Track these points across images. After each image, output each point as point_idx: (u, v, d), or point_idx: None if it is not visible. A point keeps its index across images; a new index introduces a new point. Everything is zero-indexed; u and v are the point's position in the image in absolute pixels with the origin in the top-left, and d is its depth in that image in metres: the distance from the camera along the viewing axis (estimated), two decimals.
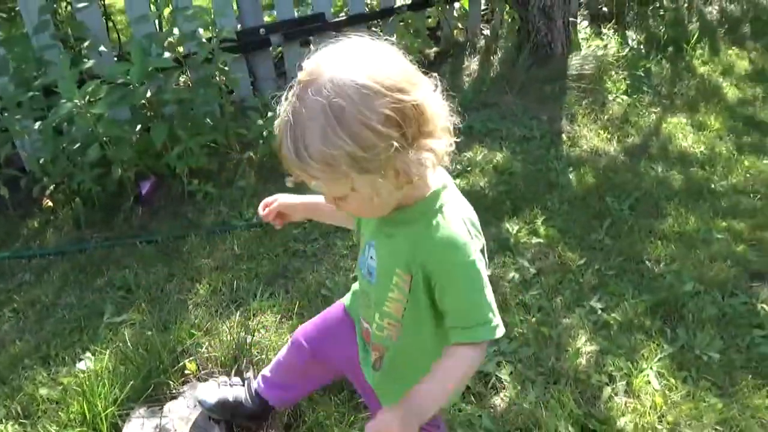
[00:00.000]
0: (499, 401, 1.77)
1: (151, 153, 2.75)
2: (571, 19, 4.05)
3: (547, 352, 1.92)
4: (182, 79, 3.15)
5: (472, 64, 3.98)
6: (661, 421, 1.71)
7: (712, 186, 2.88)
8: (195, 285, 2.26)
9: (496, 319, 1.03)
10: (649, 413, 1.73)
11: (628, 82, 3.77)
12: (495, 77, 3.81)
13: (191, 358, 1.86)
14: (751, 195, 2.83)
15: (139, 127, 2.74)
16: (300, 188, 1.09)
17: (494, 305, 1.04)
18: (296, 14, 3.63)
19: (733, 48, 4.43)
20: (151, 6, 3.09)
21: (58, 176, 2.62)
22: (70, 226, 2.63)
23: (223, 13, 3.03)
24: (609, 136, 3.30)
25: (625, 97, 3.64)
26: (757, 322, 2.05)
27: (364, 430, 0.98)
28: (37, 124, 2.58)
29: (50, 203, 2.71)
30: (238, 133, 2.96)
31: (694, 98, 3.72)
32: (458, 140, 1.00)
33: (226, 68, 2.92)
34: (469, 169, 2.95)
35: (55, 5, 2.85)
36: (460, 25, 4.32)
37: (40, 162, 2.62)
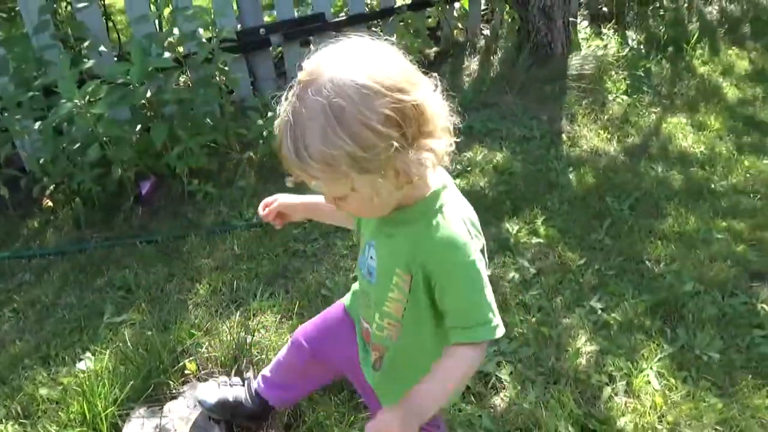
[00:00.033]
0: (499, 401, 1.77)
1: (151, 153, 2.75)
2: (571, 19, 4.05)
3: (547, 352, 1.92)
4: (182, 79, 3.15)
5: (472, 64, 3.98)
6: (661, 421, 1.71)
7: (712, 186, 2.88)
8: (195, 285, 2.26)
9: (496, 319, 1.03)
10: (649, 413, 1.73)
11: (628, 82, 3.77)
12: (495, 77, 3.81)
13: (191, 358, 1.86)
14: (751, 195, 2.83)
15: (139, 127, 2.74)
16: (300, 188, 1.09)
17: (494, 305, 1.04)
18: (296, 14, 3.63)
19: (733, 48, 4.43)
20: (151, 6, 3.09)
21: (58, 176, 2.62)
22: (70, 226, 2.63)
23: (223, 13, 3.03)
24: (609, 136, 3.30)
25: (625, 97, 3.64)
26: (757, 322, 2.05)
27: (364, 430, 0.98)
28: (37, 124, 2.58)
29: (50, 203, 2.71)
30: (238, 133, 2.96)
31: (694, 98, 3.73)
32: (458, 140, 1.00)
33: (226, 68, 2.92)
34: (469, 169, 2.95)
35: (55, 5, 2.85)
36: (460, 25, 4.32)
37: (40, 162, 2.62)
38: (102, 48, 2.86)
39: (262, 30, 3.39)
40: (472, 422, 1.70)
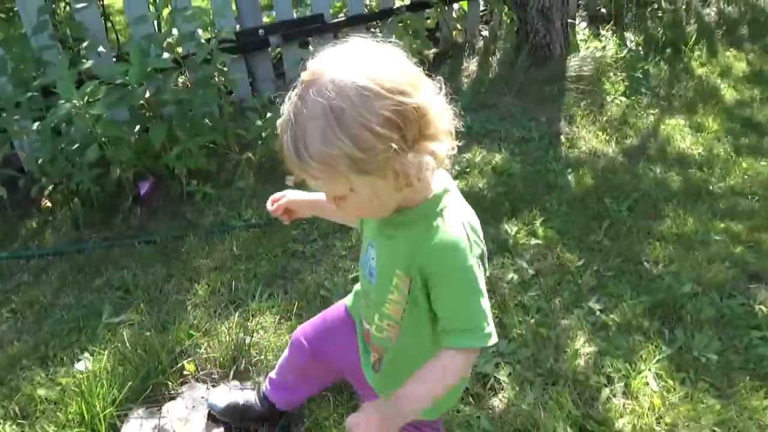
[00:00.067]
0: (498, 402, 1.78)
1: (150, 153, 2.75)
2: (569, 20, 4.06)
3: (545, 353, 1.92)
4: (181, 79, 3.15)
5: (471, 65, 3.99)
6: (659, 423, 1.72)
7: (711, 187, 2.89)
8: (194, 285, 2.26)
9: (489, 327, 1.02)
10: (647, 414, 1.73)
11: (626, 83, 3.77)
12: (494, 78, 3.82)
13: (190, 359, 1.86)
14: (749, 196, 2.84)
15: (137, 127, 2.74)
16: (300, 187, 1.09)
17: (489, 312, 1.03)
18: (295, 15, 3.63)
19: (731, 50, 4.44)
20: (150, 7, 3.09)
21: (57, 176, 2.62)
22: (69, 226, 2.63)
23: (222, 14, 3.03)
24: (607, 138, 3.30)
25: (623, 99, 3.65)
26: (755, 323, 2.06)
27: (346, 422, 0.98)
28: (35, 125, 2.58)
29: (49, 203, 2.70)
30: (237, 133, 2.96)
31: (692, 100, 3.73)
32: (460, 144, 1.00)
33: (225, 69, 2.92)
34: (467, 170, 2.95)
35: (53, 5, 2.85)
36: (459, 26, 4.32)
37: (39, 162, 2.62)
38: (101, 48, 2.86)
39: (261, 31, 3.39)
40: (470, 423, 1.70)
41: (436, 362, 1.03)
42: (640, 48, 4.21)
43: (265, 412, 1.61)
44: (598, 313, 2.09)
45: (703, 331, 2.01)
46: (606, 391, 1.80)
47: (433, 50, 4.10)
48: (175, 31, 2.77)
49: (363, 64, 0.90)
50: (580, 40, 4.18)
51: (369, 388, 1.28)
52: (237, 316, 2.06)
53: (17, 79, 2.60)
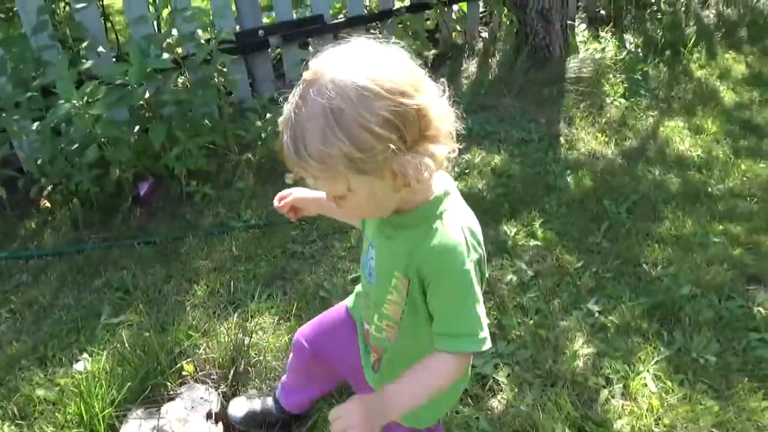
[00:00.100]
0: (497, 403, 1.78)
1: (150, 154, 2.75)
2: (569, 22, 4.06)
3: (544, 354, 1.92)
4: (181, 80, 3.15)
5: (471, 67, 3.99)
6: (657, 424, 1.72)
7: (709, 189, 2.89)
8: (193, 286, 2.26)
9: (483, 333, 1.02)
10: (645, 416, 1.73)
11: (625, 85, 3.78)
12: (493, 80, 3.82)
13: (189, 360, 1.86)
14: (748, 198, 2.84)
15: (137, 128, 2.74)
16: (298, 185, 1.09)
17: (483, 317, 1.02)
18: (295, 16, 3.63)
19: (730, 52, 4.45)
20: (150, 7, 3.09)
21: (56, 177, 2.62)
22: (68, 226, 2.63)
23: (221, 15, 3.03)
24: (606, 139, 3.31)
25: (622, 101, 3.65)
26: (754, 325, 2.06)
27: (330, 413, 0.99)
28: (35, 125, 2.58)
29: (48, 204, 2.70)
30: (237, 134, 2.96)
31: (691, 102, 3.74)
32: (461, 147, 1.00)
33: (225, 69, 2.92)
34: (467, 171, 2.95)
35: (53, 6, 2.85)
36: (458, 28, 4.33)
37: (38, 162, 2.62)
38: (100, 49, 2.86)
39: (260, 31, 3.39)
40: (469, 424, 1.70)
41: (427, 364, 1.03)
42: (640, 50, 4.22)
43: (282, 416, 1.65)
44: (596, 314, 2.10)
45: (702, 332, 2.01)
46: (605, 393, 1.80)
47: (433, 51, 4.10)
48: (174, 32, 2.77)
49: (364, 64, 0.90)
50: (580, 41, 4.19)
51: (369, 389, 1.28)
52: (236, 316, 2.06)
53: (17, 79, 2.60)
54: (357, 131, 0.88)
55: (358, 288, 1.35)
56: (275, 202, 1.33)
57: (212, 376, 1.83)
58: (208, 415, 1.68)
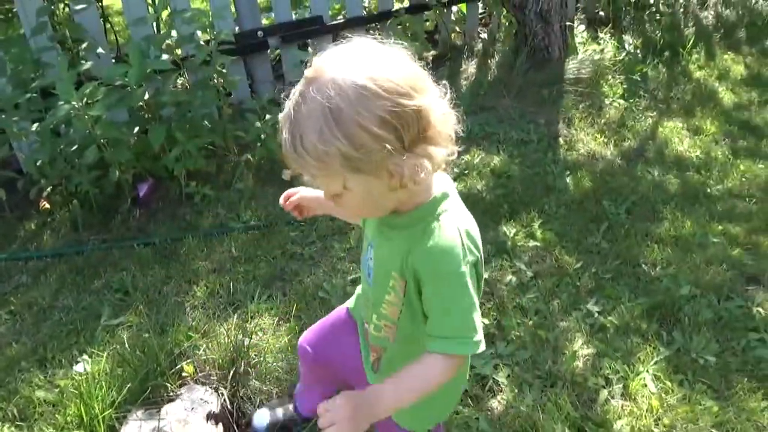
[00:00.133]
0: (496, 404, 1.78)
1: (149, 155, 2.75)
2: (568, 23, 4.07)
3: (544, 355, 1.93)
4: (180, 81, 3.15)
5: (470, 68, 4.00)
6: (657, 424, 1.72)
7: (708, 190, 2.90)
8: (192, 287, 2.26)
9: (477, 336, 1.01)
10: (645, 416, 1.74)
11: (624, 86, 3.78)
12: (492, 81, 3.83)
13: (189, 361, 1.86)
14: (747, 199, 2.84)
15: (136, 129, 2.74)
16: (295, 181, 1.09)
17: (477, 321, 1.02)
18: (294, 17, 3.64)
19: (729, 53, 4.46)
20: (149, 8, 3.09)
21: (56, 178, 2.62)
22: (68, 228, 2.62)
23: (221, 16, 3.04)
24: (606, 140, 3.31)
25: (621, 101, 3.65)
26: (753, 325, 2.06)
27: (318, 407, 0.99)
28: (34, 126, 2.58)
29: (47, 205, 2.70)
30: (236, 135, 2.97)
31: (690, 102, 3.74)
32: (460, 149, 1.00)
33: (224, 70, 2.92)
34: (466, 172, 2.96)
35: (53, 7, 2.85)
36: (457, 29, 4.33)
37: (38, 164, 2.61)
38: (100, 50, 2.86)
39: (260, 32, 3.40)
40: (469, 425, 1.70)
41: (418, 365, 1.03)
42: (639, 51, 4.22)
43: (303, 421, 1.66)
44: (596, 315, 2.10)
45: (701, 333, 2.01)
46: (604, 393, 1.80)
47: (432, 53, 4.11)
48: (174, 33, 2.78)
49: (365, 64, 0.91)
50: (579, 42, 4.19)
51: None
52: (236, 317, 2.06)
53: (16, 80, 2.60)
54: (354, 130, 0.88)
55: (359, 289, 1.35)
56: (281, 201, 1.33)
57: (212, 377, 1.83)
58: (208, 416, 1.68)
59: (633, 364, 1.90)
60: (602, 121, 3.47)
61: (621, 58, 4.00)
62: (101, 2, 3.43)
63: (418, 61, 0.96)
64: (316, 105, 0.89)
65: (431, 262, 1.01)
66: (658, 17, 4.68)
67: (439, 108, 0.95)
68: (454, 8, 4.28)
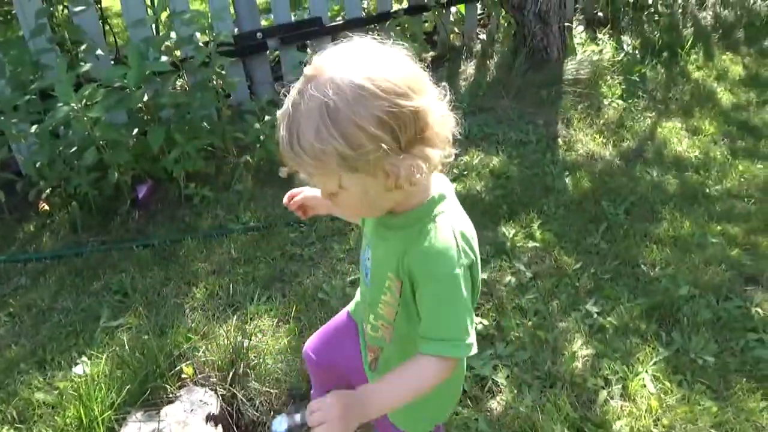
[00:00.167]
0: (496, 405, 1.78)
1: (148, 157, 2.75)
2: (566, 24, 4.07)
3: (543, 355, 1.93)
4: (179, 82, 3.15)
5: (469, 69, 4.00)
6: (656, 425, 1.72)
7: (707, 190, 2.90)
8: (192, 289, 2.26)
9: (469, 339, 1.01)
10: (644, 416, 1.74)
11: (623, 86, 3.79)
12: (491, 81, 3.83)
13: (188, 362, 1.86)
14: (745, 199, 2.85)
15: (136, 130, 2.74)
16: (293, 179, 1.10)
17: (469, 323, 1.01)
18: (293, 18, 3.64)
19: (727, 53, 4.47)
20: (148, 10, 3.09)
21: (55, 180, 2.62)
22: (67, 229, 2.63)
23: (220, 17, 3.04)
24: (604, 141, 3.32)
25: (620, 102, 3.66)
26: (752, 325, 2.07)
27: (308, 405, 0.99)
28: (33, 128, 2.58)
29: (47, 207, 2.70)
30: (235, 136, 2.97)
31: (689, 103, 3.75)
32: (457, 152, 1.00)
33: (223, 72, 2.92)
34: (465, 173, 2.96)
35: (51, 9, 2.85)
36: (456, 30, 4.34)
37: (37, 165, 2.62)
38: (99, 52, 2.86)
39: (259, 34, 3.40)
40: (468, 426, 1.70)
41: (410, 367, 1.03)
42: (637, 51, 4.23)
43: None
44: (595, 315, 2.10)
45: (700, 333, 2.01)
46: (603, 394, 1.80)
47: (431, 53, 4.11)
48: (173, 35, 2.78)
49: (364, 64, 0.91)
50: (577, 43, 4.20)
51: None
52: (235, 319, 2.06)
53: (15, 82, 2.60)
54: (351, 130, 0.88)
55: (360, 291, 1.35)
56: (285, 201, 1.34)
57: (211, 379, 1.83)
58: (208, 418, 1.68)
59: (632, 364, 1.90)
60: (601, 121, 3.48)
61: (619, 58, 4.01)
62: (100, 4, 3.43)
63: (417, 62, 0.96)
64: (314, 103, 0.89)
65: (426, 264, 1.00)
66: (656, 18, 4.69)
67: (437, 109, 0.95)
68: (453, 9, 4.28)
